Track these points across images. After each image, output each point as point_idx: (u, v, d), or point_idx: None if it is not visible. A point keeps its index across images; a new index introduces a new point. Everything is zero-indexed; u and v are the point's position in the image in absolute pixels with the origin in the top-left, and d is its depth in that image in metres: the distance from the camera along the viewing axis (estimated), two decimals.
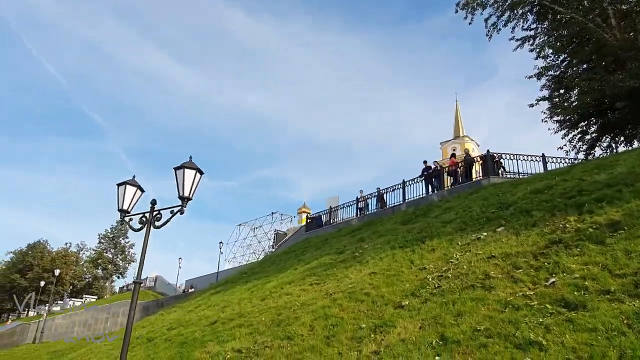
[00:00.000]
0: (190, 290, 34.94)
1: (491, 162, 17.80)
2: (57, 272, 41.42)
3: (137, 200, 7.35)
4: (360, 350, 7.58)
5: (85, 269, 63.17)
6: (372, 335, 7.92)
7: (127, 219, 7.21)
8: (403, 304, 8.65)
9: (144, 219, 7.03)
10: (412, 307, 8.39)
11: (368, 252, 13.37)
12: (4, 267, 67.01)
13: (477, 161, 18.44)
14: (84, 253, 64.12)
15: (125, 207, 7.17)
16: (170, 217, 6.63)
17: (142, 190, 7.44)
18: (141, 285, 6.47)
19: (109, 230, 61.32)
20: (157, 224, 6.84)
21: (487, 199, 13.69)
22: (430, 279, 9.36)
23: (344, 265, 13.09)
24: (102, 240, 61.12)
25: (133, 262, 62.31)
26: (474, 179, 18.25)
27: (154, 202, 7.01)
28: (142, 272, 7.12)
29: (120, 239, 61.43)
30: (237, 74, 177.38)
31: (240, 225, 52.40)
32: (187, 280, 52.81)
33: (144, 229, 6.90)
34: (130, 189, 7.24)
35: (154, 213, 6.87)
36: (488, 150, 18.08)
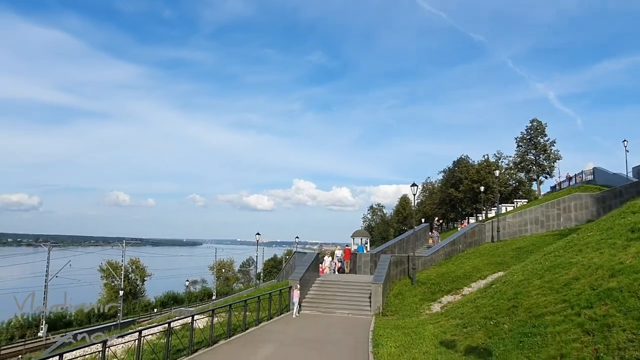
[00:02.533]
0: None
1: None
2: (497, 173, 43.03)
3: None
4: None
5: (507, 176, 63.58)
6: None
7: None
8: None
9: None
10: None
11: None
12: (440, 184, 76.70)
13: None
14: (502, 161, 64.57)
15: None
16: None
17: None
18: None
19: (525, 132, 58.87)
20: None
21: None
22: None
23: None
24: (520, 144, 59.43)
25: (558, 159, 57.73)
26: None
27: None
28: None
29: (539, 138, 57.98)
30: None
31: None
32: (634, 167, 43.62)
33: None
34: None
35: None
36: None
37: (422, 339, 14.42)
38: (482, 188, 46.38)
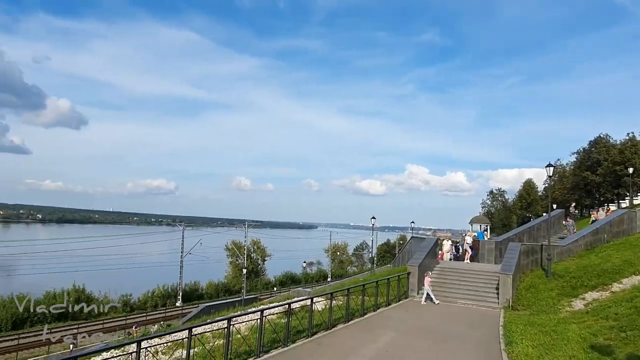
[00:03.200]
0: None
1: None
2: None
3: None
4: None
5: None
6: None
7: None
8: None
9: None
10: None
11: None
12: (572, 167, 68.74)
13: None
14: None
15: None
16: None
17: None
18: None
19: None
20: None
21: None
22: None
23: None
24: None
25: None
26: None
27: None
28: None
29: None
30: None
31: None
32: None
33: None
34: None
35: None
36: None
37: (566, 340, 12.58)
38: (630, 170, 40.05)
